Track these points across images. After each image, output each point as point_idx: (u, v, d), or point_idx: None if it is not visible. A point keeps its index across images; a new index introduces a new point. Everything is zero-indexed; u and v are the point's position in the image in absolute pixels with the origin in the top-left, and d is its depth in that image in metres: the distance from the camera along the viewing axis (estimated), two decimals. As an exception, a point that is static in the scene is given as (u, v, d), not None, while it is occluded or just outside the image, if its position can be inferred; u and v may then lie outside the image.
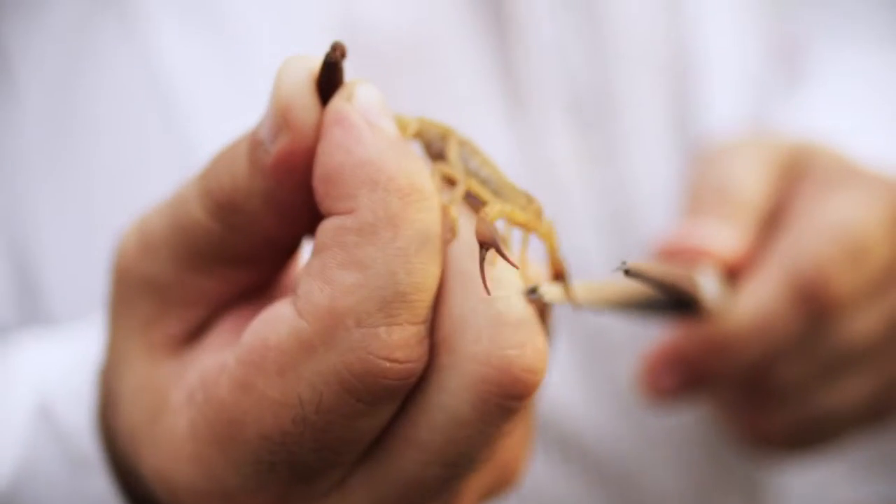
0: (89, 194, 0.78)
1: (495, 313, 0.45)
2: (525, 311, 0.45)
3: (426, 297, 0.45)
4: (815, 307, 0.70)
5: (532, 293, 0.46)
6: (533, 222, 0.47)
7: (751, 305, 0.70)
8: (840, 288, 0.70)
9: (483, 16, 0.81)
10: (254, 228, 0.48)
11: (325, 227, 0.45)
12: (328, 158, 0.45)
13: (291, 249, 0.50)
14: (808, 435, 0.75)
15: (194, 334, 0.51)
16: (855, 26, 0.96)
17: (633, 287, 0.58)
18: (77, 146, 0.78)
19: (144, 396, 0.50)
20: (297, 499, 0.48)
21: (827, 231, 0.71)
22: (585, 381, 0.83)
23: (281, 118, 0.46)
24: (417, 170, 0.45)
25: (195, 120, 0.76)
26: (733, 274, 0.72)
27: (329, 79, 0.47)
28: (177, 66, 0.76)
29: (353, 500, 0.48)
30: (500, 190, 0.48)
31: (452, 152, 0.49)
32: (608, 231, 0.83)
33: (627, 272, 0.47)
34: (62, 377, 0.59)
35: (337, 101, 0.46)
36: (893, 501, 0.90)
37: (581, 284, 0.51)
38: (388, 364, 0.44)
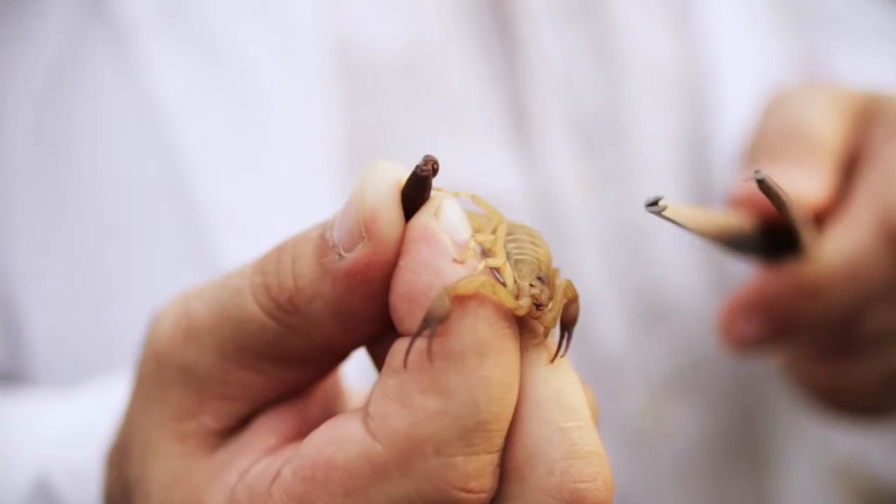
0: (76, 232, 0.76)
1: (569, 445, 0.44)
2: (597, 442, 0.45)
3: (503, 427, 0.44)
4: None
5: (653, 205, 0.46)
6: (525, 310, 0.45)
7: (842, 248, 0.68)
8: None
9: (486, 37, 0.80)
10: (312, 332, 0.47)
11: (406, 347, 0.44)
12: (415, 277, 0.44)
13: (344, 355, 0.49)
14: (892, 392, 0.73)
15: (232, 430, 0.50)
16: (872, 45, 0.94)
17: (727, 221, 0.58)
18: (64, 176, 0.75)
19: (178, 492, 0.48)
20: None
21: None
22: None
23: (364, 228, 0.45)
24: (502, 297, 0.44)
25: (189, 149, 0.74)
26: (816, 219, 0.70)
27: (416, 192, 0.45)
28: (169, 90, 0.74)
29: None
30: (517, 268, 0.46)
31: (499, 233, 0.47)
32: (614, 254, 0.82)
33: (761, 182, 0.47)
34: (62, 451, 0.57)
35: (424, 217, 0.45)
36: None
37: (686, 206, 0.51)
38: (463, 494, 0.44)
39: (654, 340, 0.83)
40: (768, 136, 0.74)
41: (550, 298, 0.45)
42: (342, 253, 0.45)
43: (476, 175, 0.79)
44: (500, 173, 0.79)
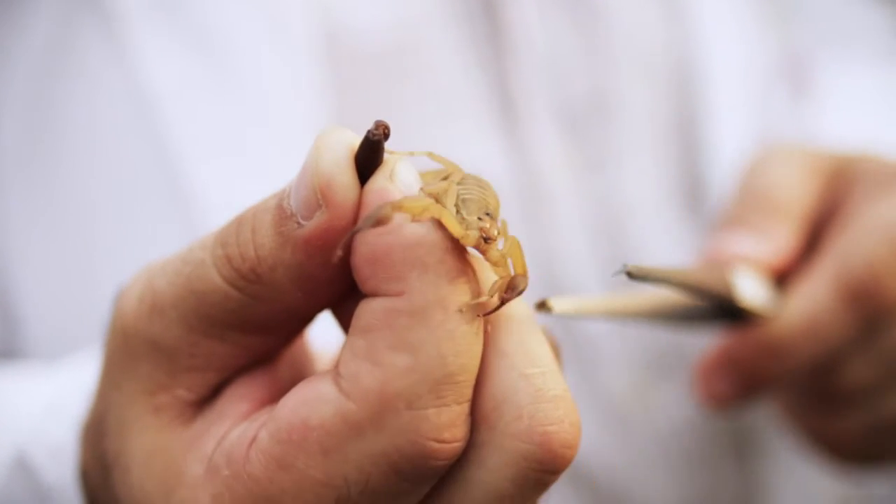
0: (68, 218, 0.77)
1: (535, 390, 0.45)
2: (562, 386, 0.46)
3: (471, 377, 0.45)
4: (867, 307, 0.70)
5: (542, 307, 0.46)
6: (472, 241, 0.46)
7: (800, 306, 0.70)
8: (893, 287, 0.70)
9: (472, 22, 0.80)
10: (275, 299, 0.47)
11: (373, 307, 0.45)
12: (375, 239, 0.45)
13: (308, 319, 0.50)
14: (883, 442, 0.75)
15: (206, 399, 0.50)
16: (856, 43, 0.95)
17: (661, 296, 0.58)
18: (55, 165, 0.76)
19: (156, 465, 0.49)
20: None
21: (878, 231, 0.71)
22: (574, 394, 0.82)
23: (320, 195, 0.45)
24: (460, 251, 0.45)
25: (179, 135, 0.75)
26: (782, 280, 0.72)
27: (369, 156, 0.46)
28: (159, 78, 0.75)
29: None
30: (463, 204, 0.47)
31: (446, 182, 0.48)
32: (600, 240, 0.83)
33: (629, 274, 0.47)
34: (40, 429, 0.58)
35: (379, 181, 0.46)
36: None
37: (592, 297, 0.52)
38: (437, 445, 0.44)
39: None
40: (738, 201, 0.77)
41: (499, 234, 0.46)
42: (300, 221, 0.46)
43: (462, 160, 0.79)
44: (487, 158, 0.80)
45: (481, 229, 0.46)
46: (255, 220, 0.47)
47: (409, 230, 0.45)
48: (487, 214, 0.47)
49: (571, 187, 0.82)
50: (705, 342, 0.84)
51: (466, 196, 0.47)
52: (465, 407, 0.45)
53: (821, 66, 0.92)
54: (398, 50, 0.79)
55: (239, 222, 0.48)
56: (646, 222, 0.84)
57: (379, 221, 0.44)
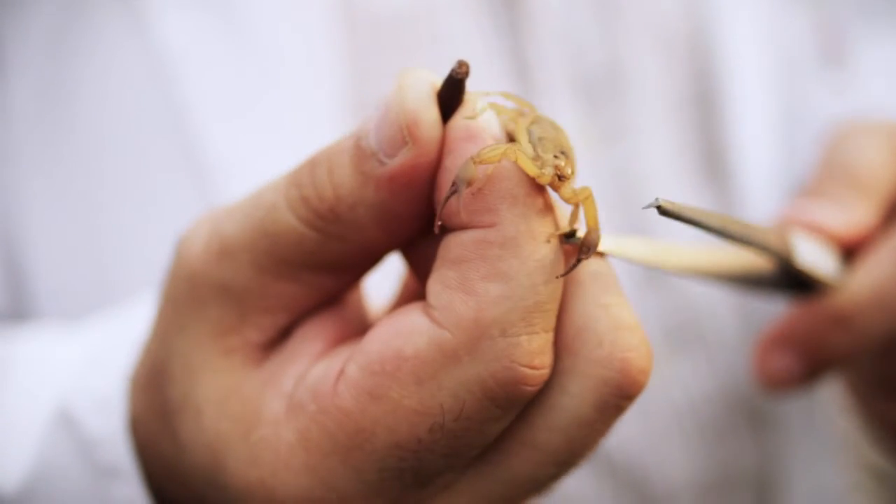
0: (80, 178, 0.76)
1: (614, 318, 0.47)
2: (634, 315, 0.48)
3: (556, 305, 0.47)
4: None
5: (570, 237, 0.47)
6: (548, 179, 0.46)
7: (870, 276, 0.70)
8: None
9: None
10: (354, 238, 0.48)
11: (463, 240, 0.46)
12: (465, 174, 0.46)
13: (379, 259, 0.51)
14: None
15: (274, 342, 0.51)
16: (891, 14, 0.95)
17: (711, 251, 0.58)
18: (69, 127, 0.76)
19: (231, 406, 0.50)
20: (408, 501, 0.48)
21: None
22: None
23: (406, 132, 0.46)
24: (525, 163, 0.46)
25: (194, 98, 0.75)
26: (852, 255, 0.71)
27: (451, 94, 0.47)
28: (174, 40, 0.75)
29: (460, 500, 0.49)
30: (539, 141, 0.48)
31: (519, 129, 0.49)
32: (616, 211, 0.82)
33: (661, 209, 0.47)
34: (85, 381, 0.57)
35: (462, 122, 0.47)
36: None
37: (635, 240, 0.52)
38: (529, 371, 0.46)
39: (656, 294, 0.83)
40: (818, 173, 0.77)
41: (572, 173, 0.47)
42: (383, 159, 0.47)
43: None
44: None
45: (556, 167, 0.46)
46: (332, 161, 0.48)
47: (498, 166, 0.45)
48: (562, 153, 0.47)
49: (587, 158, 0.81)
50: (726, 316, 0.83)
51: (542, 135, 0.48)
52: (552, 335, 0.47)
53: (855, 37, 0.92)
54: (414, 16, 0.78)
55: (312, 163, 0.48)
56: (662, 194, 0.83)
57: (469, 180, 0.45)
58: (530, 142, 0.47)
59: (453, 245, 0.46)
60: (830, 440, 0.89)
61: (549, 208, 0.46)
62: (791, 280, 0.66)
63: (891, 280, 0.69)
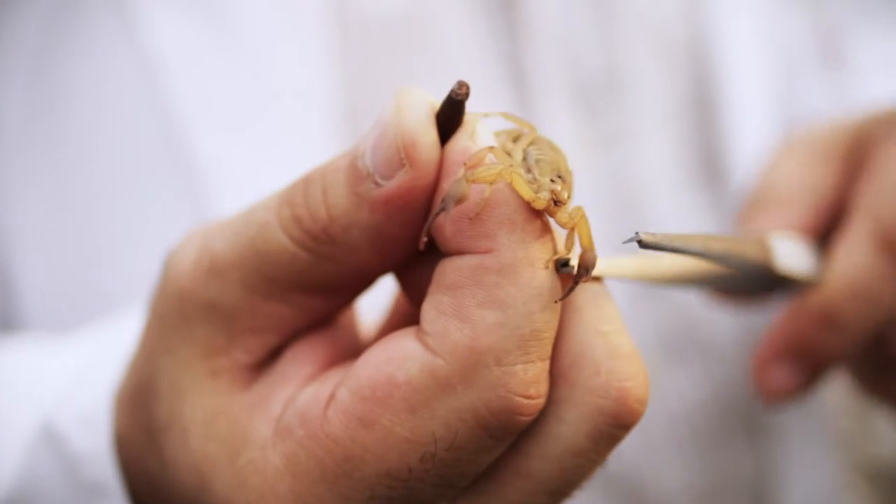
0: (69, 184, 0.75)
1: (612, 347, 0.46)
2: (632, 343, 0.47)
3: (553, 333, 0.46)
4: None
5: (564, 266, 0.46)
6: (543, 203, 0.45)
7: (842, 269, 0.69)
8: None
9: None
10: (347, 259, 0.48)
11: (459, 265, 0.45)
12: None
13: (372, 281, 0.50)
14: None
15: (263, 363, 0.50)
16: (890, 12, 0.94)
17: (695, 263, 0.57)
18: (59, 134, 0.75)
19: (219, 428, 0.49)
20: None
21: (889, 175, 0.70)
22: None
23: (403, 154, 0.45)
24: (520, 187, 0.46)
25: (185, 103, 0.74)
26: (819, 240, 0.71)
27: (450, 116, 0.46)
28: (166, 45, 0.74)
29: None
30: (536, 164, 0.47)
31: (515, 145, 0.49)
32: (614, 217, 0.81)
33: (641, 243, 0.46)
34: (67, 397, 0.56)
35: (463, 140, 0.46)
36: None
37: (623, 259, 0.51)
38: (524, 401, 0.45)
39: (651, 305, 0.82)
40: (747, 202, 0.77)
41: (569, 197, 0.46)
42: (379, 181, 0.46)
43: None
44: None
45: (552, 192, 0.45)
46: (326, 180, 0.47)
47: (496, 190, 0.44)
48: (559, 177, 0.46)
49: (585, 164, 0.81)
50: (721, 324, 0.83)
51: (540, 157, 0.47)
52: (548, 363, 0.46)
53: (853, 36, 0.91)
54: (408, 19, 0.77)
55: (306, 182, 0.47)
56: (660, 199, 0.82)
57: (460, 198, 0.44)
58: (527, 163, 0.46)
59: (449, 270, 0.45)
60: (825, 446, 0.88)
61: (547, 232, 0.45)
62: (775, 281, 0.66)
63: (863, 270, 0.69)
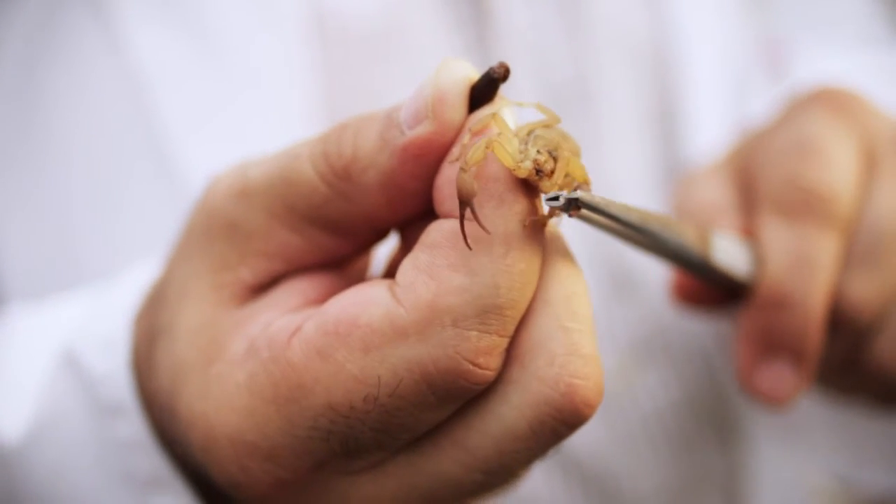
0: (53, 193, 0.76)
1: (571, 343, 0.47)
2: (596, 349, 0.48)
3: (517, 315, 0.47)
4: (807, 209, 0.68)
5: (554, 199, 0.47)
6: (525, 172, 0.47)
7: (767, 251, 0.68)
8: (826, 176, 0.68)
9: (458, 7, 0.81)
10: (359, 200, 0.50)
11: (443, 227, 0.47)
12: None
13: (380, 233, 0.52)
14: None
15: (264, 287, 0.52)
16: (837, 26, 0.96)
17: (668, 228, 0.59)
18: (43, 141, 0.76)
19: (203, 337, 0.51)
20: (334, 469, 0.49)
21: (773, 153, 0.71)
22: None
23: (430, 107, 0.48)
24: (539, 205, 0.48)
25: (168, 113, 0.76)
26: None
27: (484, 91, 0.49)
28: (148, 54, 0.76)
29: (386, 484, 0.50)
30: (534, 141, 0.49)
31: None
32: (580, 223, 0.83)
33: (578, 202, 0.47)
34: (90, 325, 0.58)
35: (487, 115, 0.48)
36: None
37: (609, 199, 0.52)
38: (470, 366, 0.46)
39: (624, 306, 0.84)
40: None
41: (553, 171, 0.47)
42: (405, 130, 0.48)
43: None
44: None
45: (535, 161, 0.47)
46: (361, 124, 0.49)
47: (497, 167, 0.47)
48: (549, 152, 0.48)
49: None
50: (692, 327, 0.84)
51: (540, 133, 0.49)
52: (505, 342, 0.47)
53: (799, 50, 0.93)
54: (385, 32, 0.79)
55: (343, 126, 0.50)
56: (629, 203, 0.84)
57: (468, 194, 0.46)
58: (527, 139, 0.48)
59: (433, 230, 0.47)
60: (795, 446, 0.89)
61: (534, 211, 0.47)
62: (710, 274, 0.66)
63: (782, 241, 0.68)
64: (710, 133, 0.85)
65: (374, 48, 0.79)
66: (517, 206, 0.47)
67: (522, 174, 0.47)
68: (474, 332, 0.46)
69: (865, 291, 0.69)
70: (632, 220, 0.52)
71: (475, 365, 0.46)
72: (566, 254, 0.49)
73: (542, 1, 0.82)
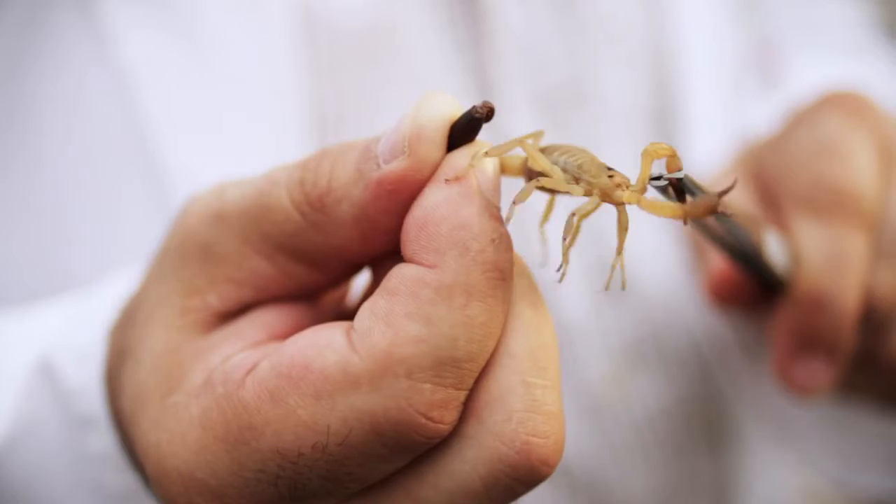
0: (39, 195, 0.76)
1: (531, 399, 0.46)
2: (559, 405, 0.47)
3: (475, 368, 0.46)
4: (837, 208, 0.70)
5: (656, 179, 0.47)
6: (622, 197, 0.47)
7: (805, 253, 0.70)
8: (852, 176, 0.69)
9: (451, 6, 0.80)
10: (332, 232, 0.49)
11: (403, 273, 0.46)
12: (432, 206, 0.46)
13: (352, 268, 0.51)
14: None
15: (232, 314, 0.51)
16: (829, 34, 0.97)
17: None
18: (28, 141, 0.75)
19: (165, 363, 0.50)
20: None
21: (797, 156, 0.72)
22: None
23: (407, 142, 0.47)
24: (507, 257, 0.46)
25: (155, 115, 0.75)
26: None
27: (464, 130, 0.47)
28: (136, 57, 0.75)
29: None
30: (581, 171, 0.49)
31: (538, 158, 0.50)
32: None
33: (679, 181, 0.47)
34: (67, 335, 0.58)
35: (462, 157, 0.47)
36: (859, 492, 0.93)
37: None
38: (423, 420, 0.45)
39: (616, 311, 0.84)
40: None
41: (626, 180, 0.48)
42: (381, 164, 0.47)
43: None
44: None
45: (618, 184, 0.47)
46: (339, 154, 0.48)
47: (466, 213, 0.46)
48: (609, 168, 0.48)
49: None
50: (684, 333, 0.84)
51: (579, 160, 0.49)
52: (462, 395, 0.46)
53: (789, 56, 0.93)
54: (375, 31, 0.78)
55: (323, 153, 0.49)
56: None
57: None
58: (570, 173, 0.48)
59: (394, 275, 0.46)
60: (787, 450, 0.89)
61: (501, 270, 0.46)
62: (759, 269, 0.68)
63: (819, 244, 0.70)
64: (706, 135, 0.85)
65: (365, 48, 0.78)
66: (482, 255, 0.45)
67: (623, 199, 0.47)
68: (428, 385, 0.45)
69: (890, 285, 0.70)
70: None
71: (428, 419, 0.45)
72: (535, 299, 0.48)
73: (537, 2, 0.82)
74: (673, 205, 0.47)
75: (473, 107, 0.47)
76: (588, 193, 0.48)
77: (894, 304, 0.71)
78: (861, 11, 1.00)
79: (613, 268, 0.49)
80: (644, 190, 0.47)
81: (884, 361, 0.72)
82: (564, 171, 0.49)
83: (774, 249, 0.69)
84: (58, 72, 0.75)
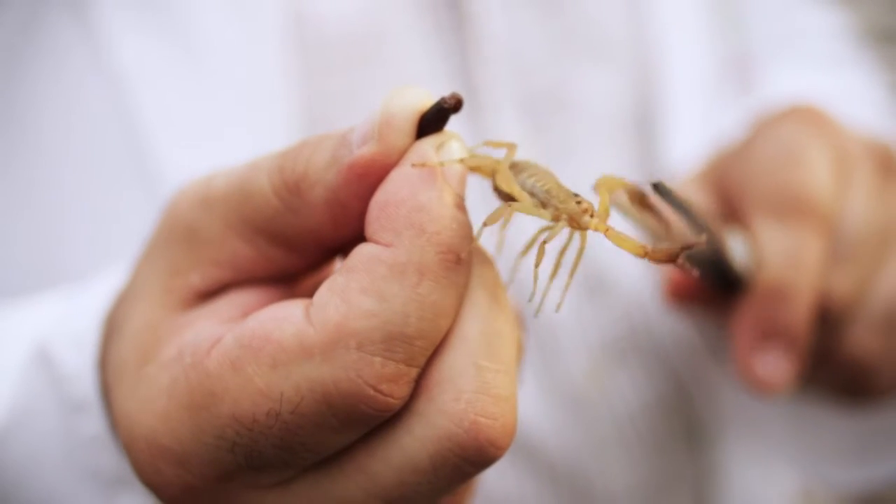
0: (33, 196, 0.77)
1: (482, 382, 0.48)
2: (511, 390, 0.48)
3: (427, 346, 0.48)
4: (797, 212, 0.72)
5: (655, 187, 0.48)
6: (593, 224, 0.49)
7: (768, 250, 0.72)
8: (811, 182, 0.72)
9: (437, 12, 0.82)
10: (306, 215, 0.51)
11: (361, 251, 0.48)
12: (394, 188, 0.48)
13: (330, 252, 0.53)
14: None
15: (212, 294, 0.53)
16: (807, 45, 0.99)
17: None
18: (23, 144, 0.77)
19: (143, 337, 0.52)
20: (241, 482, 0.50)
21: (761, 163, 0.74)
22: (534, 380, 0.84)
23: (376, 128, 0.49)
24: (464, 244, 0.48)
25: (148, 117, 0.77)
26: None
27: (433, 120, 0.50)
28: (128, 60, 0.77)
29: (292, 502, 0.50)
30: (549, 196, 0.50)
31: (508, 179, 0.51)
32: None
33: (656, 186, 0.49)
34: (64, 322, 0.60)
35: (427, 144, 0.49)
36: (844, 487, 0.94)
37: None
38: (372, 392, 0.47)
39: (595, 307, 0.85)
40: None
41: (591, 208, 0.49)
42: (353, 150, 0.49)
43: None
44: None
45: (584, 210, 0.49)
46: (318, 142, 0.51)
47: (425, 197, 0.48)
48: (574, 194, 0.50)
49: None
50: (663, 329, 0.86)
51: (546, 185, 0.50)
52: (413, 371, 0.48)
53: (767, 67, 0.96)
54: (364, 36, 0.80)
55: (304, 143, 0.51)
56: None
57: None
58: (535, 195, 0.50)
59: (354, 254, 0.48)
60: (766, 447, 0.91)
61: (456, 255, 0.48)
62: (721, 270, 0.71)
63: (781, 242, 0.72)
64: (686, 142, 0.87)
65: (353, 52, 0.80)
66: (437, 237, 0.47)
67: (593, 227, 0.49)
68: (378, 359, 0.47)
69: (845, 285, 0.73)
70: (691, 210, 0.54)
71: (377, 391, 0.47)
72: (495, 290, 0.50)
73: (522, 7, 0.84)
74: (636, 242, 0.49)
75: (442, 98, 0.49)
76: (556, 218, 0.50)
77: (847, 305, 0.73)
78: (842, 19, 1.02)
79: (566, 288, 0.51)
80: (607, 217, 0.49)
81: (839, 358, 0.75)
82: (532, 194, 0.50)
83: (737, 250, 0.72)
84: (53, 75, 0.77)
